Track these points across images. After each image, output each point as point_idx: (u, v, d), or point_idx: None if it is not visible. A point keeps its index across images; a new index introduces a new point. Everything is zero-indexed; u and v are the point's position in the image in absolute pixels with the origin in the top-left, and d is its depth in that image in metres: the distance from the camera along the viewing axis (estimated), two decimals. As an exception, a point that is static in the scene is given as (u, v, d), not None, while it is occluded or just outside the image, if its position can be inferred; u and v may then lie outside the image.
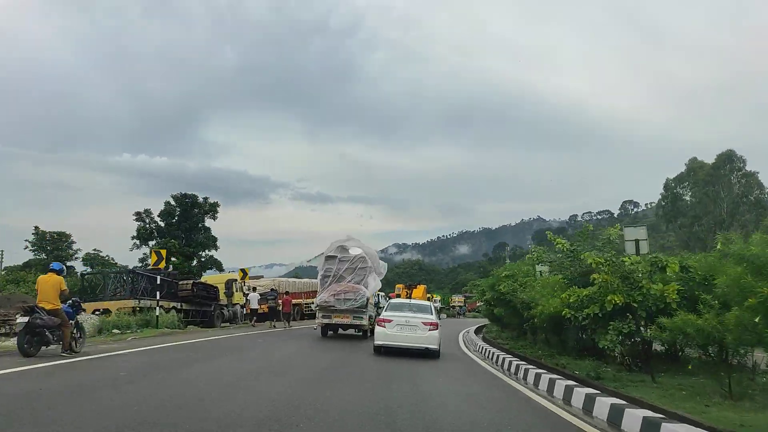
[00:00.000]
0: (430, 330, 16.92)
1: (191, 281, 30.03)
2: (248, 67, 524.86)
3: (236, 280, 34.36)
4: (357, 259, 23.11)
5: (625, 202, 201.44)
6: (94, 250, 64.40)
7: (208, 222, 61.30)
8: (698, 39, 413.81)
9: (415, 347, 16.79)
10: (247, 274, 37.60)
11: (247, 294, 32.95)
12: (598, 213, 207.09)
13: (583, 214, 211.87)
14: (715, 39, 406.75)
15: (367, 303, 22.40)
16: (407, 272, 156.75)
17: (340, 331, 25.01)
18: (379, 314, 19.79)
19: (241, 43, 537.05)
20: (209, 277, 42.77)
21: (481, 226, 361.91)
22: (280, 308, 30.93)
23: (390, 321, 17.15)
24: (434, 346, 16.92)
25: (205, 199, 61.51)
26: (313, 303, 36.61)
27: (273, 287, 35.56)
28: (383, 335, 17.11)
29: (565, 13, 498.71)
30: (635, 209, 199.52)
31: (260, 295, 32.55)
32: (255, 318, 31.55)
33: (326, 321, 22.94)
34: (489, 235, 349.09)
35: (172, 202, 60.55)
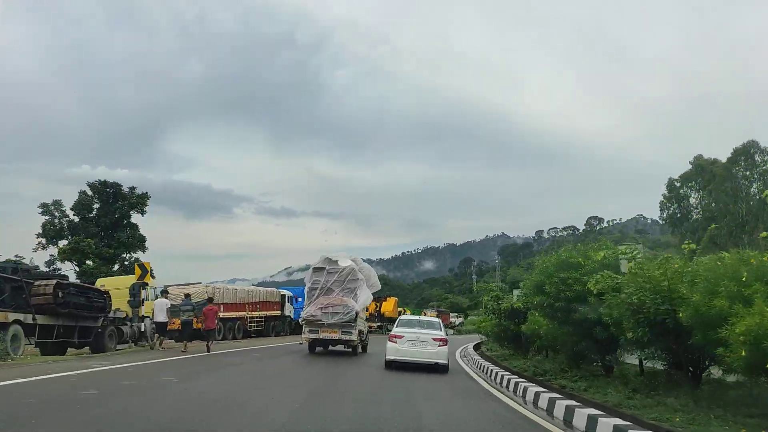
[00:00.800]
0: (439, 346, 17.64)
1: (54, 281, 18.71)
2: (213, 80, 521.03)
3: (146, 284, 25.95)
4: (346, 271, 22.01)
5: (590, 218, 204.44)
6: (16, 256, 48.75)
7: (135, 218, 51.93)
8: (661, 60, 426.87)
9: (425, 362, 17.45)
10: (148, 272, 26.85)
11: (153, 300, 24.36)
12: (564, 229, 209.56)
13: (549, 229, 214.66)
14: (678, 61, 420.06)
15: (356, 317, 21.28)
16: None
17: (330, 347, 23.65)
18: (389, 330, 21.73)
19: (207, 56, 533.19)
20: (108, 279, 32.79)
21: (446, 242, 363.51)
22: (203, 324, 20.82)
23: (401, 337, 17.88)
24: (443, 361, 17.65)
25: (132, 189, 51.81)
26: (259, 316, 36.49)
27: (190, 294, 24.14)
28: (395, 350, 17.71)
29: (531, 33, 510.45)
30: (599, 225, 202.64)
31: (171, 303, 22.91)
32: (159, 336, 22.26)
33: (313, 336, 21.72)
34: (454, 250, 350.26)
35: (89, 192, 50.65)
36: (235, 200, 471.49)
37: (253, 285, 49.81)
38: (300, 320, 23.24)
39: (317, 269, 22.42)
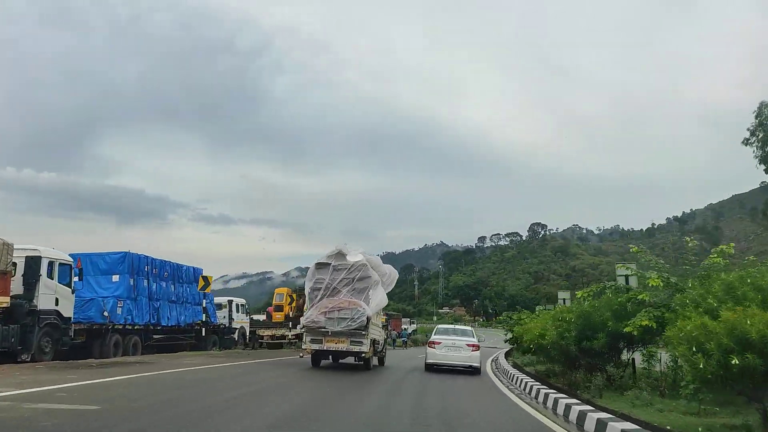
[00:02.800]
0: (472, 351, 19.76)
1: None
2: (149, 83, 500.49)
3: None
4: (357, 267, 18.29)
5: (533, 224, 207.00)
6: None
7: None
8: (596, 78, 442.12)
9: (461, 365, 19.59)
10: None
11: None
12: (507, 235, 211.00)
13: (492, 235, 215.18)
14: (611, 79, 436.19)
15: (368, 323, 17.53)
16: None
17: (337, 359, 20.35)
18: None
19: (142, 58, 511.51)
20: None
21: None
22: None
23: (439, 343, 20.00)
24: (477, 364, 19.74)
25: None
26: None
27: None
28: (434, 355, 19.88)
29: (473, 46, 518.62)
30: (543, 231, 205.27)
31: None
32: None
33: (316, 347, 17.92)
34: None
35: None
36: (170, 206, 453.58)
37: None
38: (300, 327, 19.33)
39: (321, 265, 18.64)
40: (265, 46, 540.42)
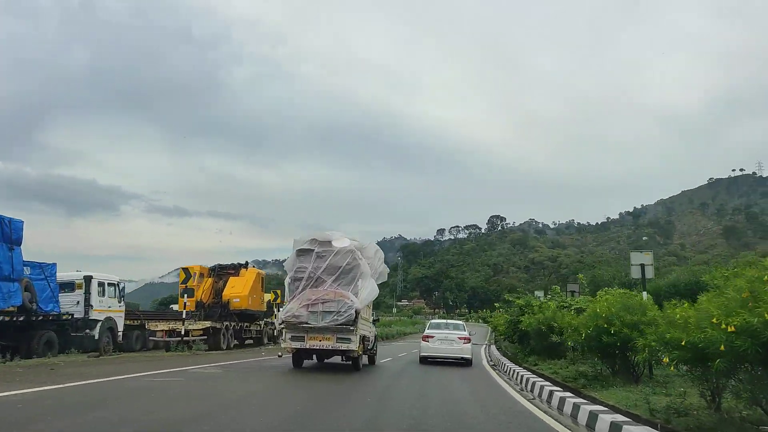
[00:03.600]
0: (464, 343, 20.82)
1: None
2: (102, 71, 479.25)
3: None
4: (343, 254, 16.16)
5: (492, 216, 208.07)
6: None
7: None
8: (555, 76, 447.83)
9: (453, 357, 20.55)
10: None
11: None
12: (466, 227, 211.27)
13: (451, 228, 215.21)
14: (570, 77, 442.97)
15: (357, 317, 15.42)
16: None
17: (322, 359, 18.42)
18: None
19: (95, 45, 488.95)
20: None
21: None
22: None
23: (433, 337, 21.05)
24: (468, 356, 20.76)
25: None
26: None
27: None
28: (428, 348, 20.81)
29: (432, 42, 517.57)
30: (502, 223, 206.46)
31: None
32: None
33: (298, 345, 15.74)
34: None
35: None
36: (123, 197, 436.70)
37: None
38: (278, 323, 17.07)
39: (302, 252, 16.43)
40: (223, 37, 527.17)
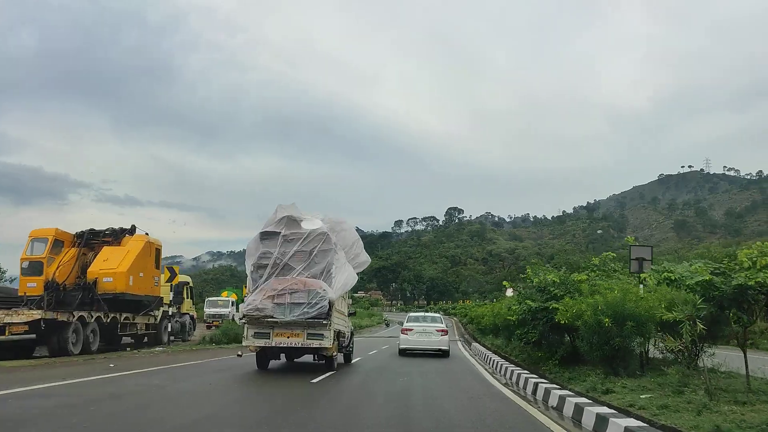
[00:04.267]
0: (441, 335, 21.10)
1: None
2: (50, 54, 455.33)
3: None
4: (315, 237, 14.07)
5: (450, 208, 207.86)
6: None
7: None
8: (510, 72, 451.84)
9: (431, 349, 20.87)
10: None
11: None
12: (424, 219, 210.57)
13: (408, 219, 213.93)
14: (524, 73, 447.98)
15: (330, 310, 13.38)
16: (217, 278, 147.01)
17: (291, 358, 16.59)
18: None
19: (43, 27, 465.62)
20: None
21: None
22: None
23: (411, 330, 21.28)
24: (445, 347, 21.12)
25: None
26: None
27: None
28: (406, 341, 21.10)
29: (389, 35, 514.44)
30: (459, 215, 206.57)
31: None
32: None
33: (262, 343, 13.60)
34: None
35: None
36: (71, 186, 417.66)
37: None
38: (239, 317, 14.77)
39: (267, 235, 14.28)
40: (178, 23, 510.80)
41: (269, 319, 13.24)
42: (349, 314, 18.36)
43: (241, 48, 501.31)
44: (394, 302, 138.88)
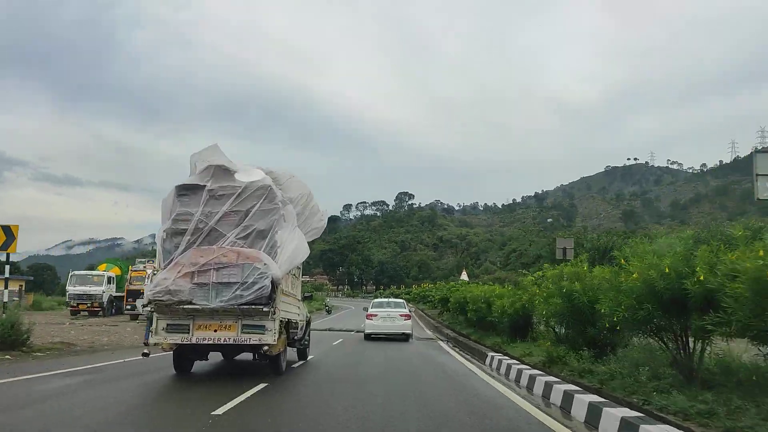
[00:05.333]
0: (404, 320, 22.20)
1: None
2: None
3: None
4: (254, 192, 10.23)
5: (400, 193, 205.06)
6: None
7: None
8: (463, 62, 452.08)
9: (395, 333, 21.94)
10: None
11: None
12: (373, 204, 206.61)
13: (358, 204, 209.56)
14: (477, 64, 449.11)
15: (274, 291, 9.57)
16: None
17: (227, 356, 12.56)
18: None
19: None
20: None
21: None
22: None
23: (376, 315, 22.24)
24: (408, 331, 22.18)
25: None
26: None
27: None
28: (371, 326, 22.09)
29: (341, 20, 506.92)
30: (410, 200, 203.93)
31: None
32: None
33: (179, 339, 9.74)
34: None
35: None
36: (6, 163, 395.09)
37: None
38: (141, 305, 10.66)
39: (187, 190, 10.43)
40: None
41: (187, 306, 9.39)
42: (304, 298, 14.58)
43: (188, 26, 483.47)
44: (340, 287, 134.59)
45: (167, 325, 9.68)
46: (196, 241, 9.97)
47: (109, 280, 33.78)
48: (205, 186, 10.22)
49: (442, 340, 22.68)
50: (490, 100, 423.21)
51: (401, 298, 33.23)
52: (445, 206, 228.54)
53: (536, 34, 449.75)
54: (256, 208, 10.07)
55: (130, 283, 31.52)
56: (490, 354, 14.33)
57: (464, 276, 55.89)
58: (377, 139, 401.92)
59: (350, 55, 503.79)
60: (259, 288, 9.35)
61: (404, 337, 21.77)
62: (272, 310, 9.58)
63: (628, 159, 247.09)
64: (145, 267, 31.24)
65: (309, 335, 14.52)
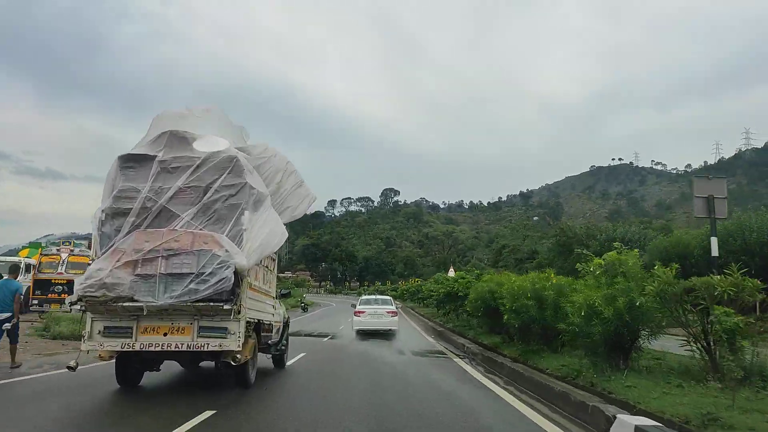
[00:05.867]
0: (391, 317, 22.87)
1: None
2: None
3: None
4: (216, 164, 8.34)
5: (386, 189, 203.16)
6: None
7: None
8: (449, 59, 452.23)
9: (382, 329, 22.41)
10: None
11: None
12: (358, 199, 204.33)
13: (343, 199, 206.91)
14: (463, 61, 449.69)
15: (237, 284, 7.73)
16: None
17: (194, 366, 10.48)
18: None
19: None
20: None
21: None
22: None
23: (364, 312, 23.05)
24: (395, 328, 22.74)
25: None
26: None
27: None
28: (360, 323, 22.74)
29: (330, 17, 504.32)
30: (396, 197, 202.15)
31: None
32: None
33: (117, 345, 7.87)
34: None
35: None
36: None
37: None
38: (69, 303, 8.59)
39: (133, 161, 8.50)
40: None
41: (127, 304, 7.52)
42: (281, 294, 12.67)
43: (177, 19, 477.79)
44: (323, 283, 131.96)
45: (104, 327, 7.79)
46: (142, 223, 8.07)
47: (14, 269, 26.13)
48: (155, 157, 8.31)
49: (459, 357, 14.80)
50: (476, 98, 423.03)
51: (387, 295, 32.80)
52: (430, 204, 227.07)
53: (522, 32, 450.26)
54: (219, 183, 8.19)
55: (39, 271, 23.94)
56: (624, 418, 5.95)
57: (451, 273, 54.14)
58: (363, 136, 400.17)
59: (338, 51, 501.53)
60: (219, 280, 7.49)
61: (392, 333, 22.27)
62: (236, 308, 7.72)
63: (613, 159, 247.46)
64: (59, 251, 24.95)
65: (287, 339, 12.65)
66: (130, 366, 8.74)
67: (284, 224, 9.18)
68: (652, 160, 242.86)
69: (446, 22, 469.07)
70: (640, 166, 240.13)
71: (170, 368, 10.12)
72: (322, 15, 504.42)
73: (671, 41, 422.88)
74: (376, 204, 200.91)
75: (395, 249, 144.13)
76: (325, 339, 20.57)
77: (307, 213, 10.66)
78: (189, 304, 7.49)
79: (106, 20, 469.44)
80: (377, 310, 22.98)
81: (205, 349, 7.88)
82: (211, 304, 7.54)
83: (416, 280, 51.59)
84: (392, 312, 23.06)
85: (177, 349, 7.85)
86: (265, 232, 8.28)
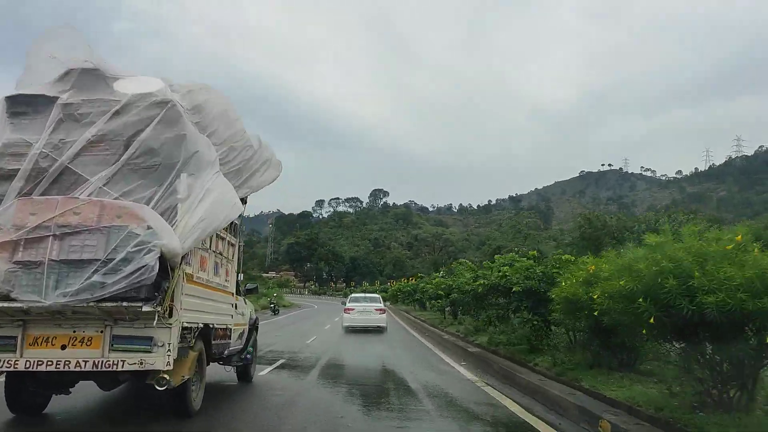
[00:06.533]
0: (380, 314, 24.05)
1: None
2: None
3: None
4: (143, 111, 5.89)
5: (375, 190, 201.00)
6: None
7: None
8: (441, 62, 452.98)
9: (371, 326, 23.48)
10: None
11: None
12: (347, 200, 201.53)
13: (331, 200, 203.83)
14: (455, 64, 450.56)
15: (166, 277, 5.38)
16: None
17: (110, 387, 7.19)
18: None
19: None
20: None
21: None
22: None
23: (353, 309, 24.09)
24: (383, 324, 23.83)
25: None
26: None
27: None
28: (349, 319, 23.73)
29: (324, 18, 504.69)
30: (385, 198, 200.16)
31: None
32: None
33: None
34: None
35: None
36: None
37: None
38: None
39: (24, 103, 6.01)
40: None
41: (7, 305, 5.19)
42: (247, 291, 10.18)
43: (169, 18, 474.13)
44: (307, 284, 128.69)
45: (-31, 335, 5.45)
46: (34, 189, 5.71)
47: None
48: (56, 99, 5.93)
49: None
50: (468, 101, 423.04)
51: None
52: (420, 206, 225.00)
53: (515, 37, 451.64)
54: (146, 135, 5.83)
55: None
56: None
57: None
58: (352, 137, 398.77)
59: (328, 52, 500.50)
60: (136, 270, 5.16)
61: (380, 329, 23.28)
62: (163, 309, 5.39)
63: (603, 165, 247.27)
64: None
65: (255, 345, 10.25)
66: (25, 389, 6.38)
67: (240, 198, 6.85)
68: (642, 167, 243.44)
69: (438, 24, 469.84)
70: (629, 171, 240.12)
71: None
72: (314, 15, 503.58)
73: (662, 47, 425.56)
74: (364, 205, 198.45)
75: (383, 250, 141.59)
76: (291, 355, 14.37)
77: (272, 184, 8.17)
78: (92, 304, 5.18)
79: (98, 17, 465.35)
80: (366, 307, 24.25)
81: (120, 369, 5.54)
82: (125, 304, 5.21)
83: (415, 278, 47.00)
84: (380, 309, 24.42)
85: (79, 369, 5.50)
86: (209, 202, 5.85)
